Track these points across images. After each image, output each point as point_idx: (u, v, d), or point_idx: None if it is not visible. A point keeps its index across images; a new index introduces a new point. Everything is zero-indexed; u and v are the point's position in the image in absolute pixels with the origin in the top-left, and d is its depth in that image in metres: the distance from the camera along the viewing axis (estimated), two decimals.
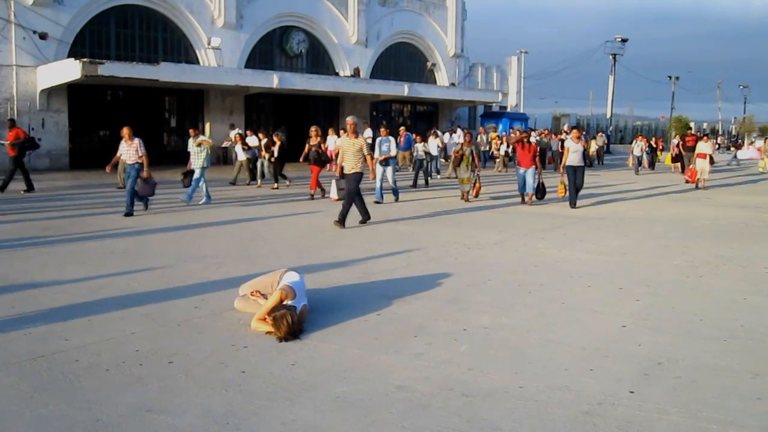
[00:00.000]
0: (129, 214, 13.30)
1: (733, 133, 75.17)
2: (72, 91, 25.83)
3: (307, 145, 17.30)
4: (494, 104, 43.22)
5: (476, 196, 17.07)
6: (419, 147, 21.95)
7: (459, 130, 30.69)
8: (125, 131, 13.72)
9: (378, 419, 4.29)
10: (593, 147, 34.54)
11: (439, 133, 29.39)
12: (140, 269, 8.58)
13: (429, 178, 23.52)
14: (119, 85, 27.14)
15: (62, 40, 25.87)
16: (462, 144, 17.53)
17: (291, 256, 9.60)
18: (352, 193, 12.41)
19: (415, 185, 20.67)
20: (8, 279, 7.93)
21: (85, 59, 23.51)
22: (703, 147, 22.32)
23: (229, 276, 8.14)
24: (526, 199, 16.42)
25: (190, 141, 16.08)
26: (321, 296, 7.12)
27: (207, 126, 30.56)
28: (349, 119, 12.58)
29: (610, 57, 52.20)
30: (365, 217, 12.78)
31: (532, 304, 7.14)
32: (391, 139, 16.91)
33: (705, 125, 78.92)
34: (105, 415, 4.28)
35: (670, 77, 67.15)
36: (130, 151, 13.65)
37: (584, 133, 37.68)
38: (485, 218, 13.89)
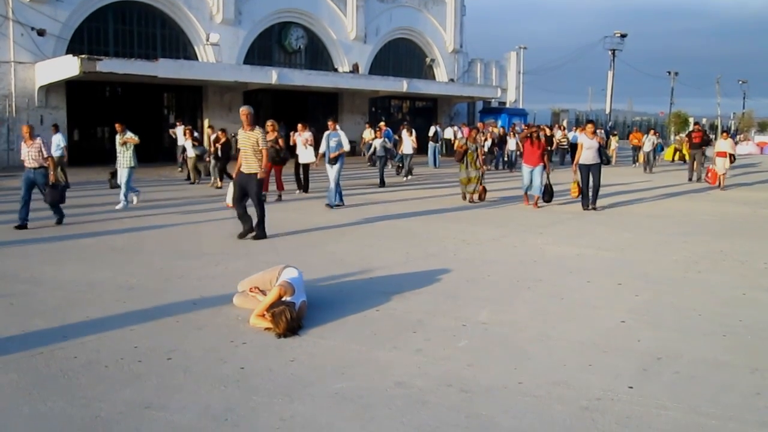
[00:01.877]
0: (22, 226, 11.35)
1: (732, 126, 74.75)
2: (70, 87, 25.80)
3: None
4: (493, 100, 43.18)
5: (482, 199, 15.61)
6: (377, 143, 20.31)
7: (456, 127, 30.49)
8: (24, 130, 11.85)
9: (377, 415, 4.29)
10: (613, 145, 32.19)
11: (433, 130, 29.06)
12: (138, 266, 8.57)
13: (408, 176, 22.33)
14: (118, 82, 27.09)
15: (60, 37, 25.83)
16: (466, 139, 15.93)
17: (289, 252, 9.59)
18: (258, 196, 10.50)
19: (383, 183, 19.39)
20: (7, 276, 7.93)
21: (83, 56, 23.50)
22: (723, 145, 20.61)
23: (228, 272, 8.14)
24: (531, 201, 15.07)
25: (117, 138, 14.29)
26: (320, 292, 7.11)
27: (206, 122, 30.52)
28: (243, 108, 10.58)
29: (609, 52, 52.16)
30: (259, 231, 10.58)
31: (530, 300, 7.14)
32: (341, 133, 14.62)
33: (704, 120, 78.88)
34: (104, 411, 4.28)
35: (669, 72, 67.17)
36: (31, 152, 11.64)
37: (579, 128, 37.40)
38: (484, 214, 13.88)
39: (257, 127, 10.59)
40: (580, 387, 4.75)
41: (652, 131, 31.09)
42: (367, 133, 27.41)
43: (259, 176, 10.47)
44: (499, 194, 17.35)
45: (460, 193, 15.86)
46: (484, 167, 16.05)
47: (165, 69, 25.44)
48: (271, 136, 14.76)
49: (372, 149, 22.02)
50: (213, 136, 19.14)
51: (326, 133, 14.62)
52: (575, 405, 4.45)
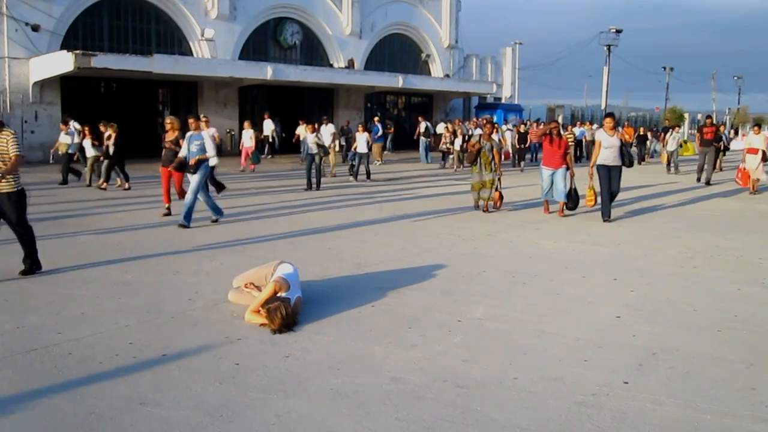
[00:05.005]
0: None
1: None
2: (65, 83, 25.70)
3: (164, 142, 13.16)
4: (489, 95, 43.16)
5: (498, 206, 13.62)
6: (310, 138, 17.57)
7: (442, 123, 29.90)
8: None
9: (372, 411, 4.28)
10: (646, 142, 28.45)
11: (424, 125, 28.37)
12: (134, 262, 8.55)
13: (356, 175, 19.85)
14: (112, 77, 27.02)
15: (55, 32, 25.71)
16: (480, 136, 13.64)
17: (284, 248, 9.57)
18: (21, 218, 7.81)
19: (309, 186, 17.16)
20: (1, 272, 7.88)
21: (77, 51, 23.41)
22: (755, 140, 17.58)
23: (223, 268, 8.12)
24: (556, 209, 13.14)
25: None
26: (315, 288, 7.10)
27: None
28: None
29: (605, 48, 52.19)
30: (28, 265, 7.84)
31: (526, 295, 7.14)
32: (204, 134, 11.64)
33: (700, 116, 79.01)
34: (98, 408, 4.27)
35: (664, 68, 67.27)
36: None
37: (582, 124, 36.85)
38: (479, 210, 13.83)
39: (6, 127, 7.78)
40: (575, 382, 4.75)
41: (676, 128, 27.25)
42: (301, 130, 25.03)
43: (7, 191, 7.63)
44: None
45: (473, 201, 13.69)
46: (501, 169, 13.85)
47: (160, 64, 25.36)
48: (171, 136, 12.66)
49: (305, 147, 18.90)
50: (106, 133, 16.86)
51: (188, 134, 11.76)
52: (570, 400, 4.46)
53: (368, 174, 20.17)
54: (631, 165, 12.70)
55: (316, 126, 19.05)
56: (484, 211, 13.31)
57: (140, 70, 24.90)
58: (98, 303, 6.64)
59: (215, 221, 11.76)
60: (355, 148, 20.31)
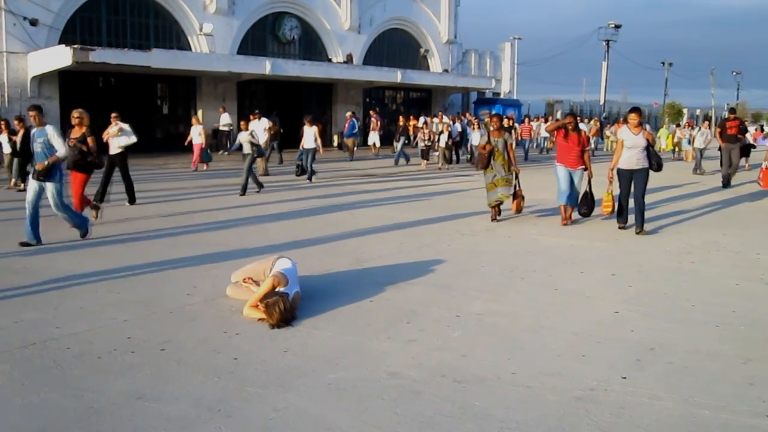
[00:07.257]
0: None
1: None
2: (63, 78, 25.66)
3: (68, 140, 10.43)
4: (487, 91, 43.16)
5: (518, 211, 12.08)
6: (243, 136, 15.55)
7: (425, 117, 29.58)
8: None
9: (370, 406, 4.28)
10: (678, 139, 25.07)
11: (422, 120, 28.00)
12: (132, 257, 8.54)
13: (311, 177, 17.97)
14: (111, 72, 26.99)
15: (53, 27, 25.68)
16: (489, 135, 11.78)
17: (283, 242, 9.57)
18: None
19: (243, 191, 14.95)
20: None
21: (76, 46, 23.38)
22: None
23: (222, 263, 8.11)
24: (565, 214, 11.52)
25: None
26: (313, 283, 7.10)
27: (200, 113, 30.42)
28: None
29: (604, 43, 52.19)
30: None
31: (524, 291, 7.15)
32: (49, 129, 9.37)
33: (698, 111, 79.06)
34: (96, 402, 4.27)
35: (663, 63, 67.24)
36: None
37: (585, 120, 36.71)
38: (477, 205, 13.82)
39: None
40: (573, 377, 4.75)
41: (705, 123, 24.46)
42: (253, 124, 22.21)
43: None
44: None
45: (490, 208, 11.85)
46: (517, 167, 11.99)
47: (158, 59, 25.33)
48: (77, 132, 10.64)
49: (237, 144, 16.47)
50: (22, 132, 15.36)
51: (32, 131, 9.67)
52: (568, 395, 4.46)
53: (312, 172, 18.15)
54: (659, 168, 10.75)
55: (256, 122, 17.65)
56: (494, 219, 11.70)
57: (139, 64, 24.88)
58: (96, 298, 6.63)
59: (84, 236, 9.79)
60: (303, 145, 18.29)
